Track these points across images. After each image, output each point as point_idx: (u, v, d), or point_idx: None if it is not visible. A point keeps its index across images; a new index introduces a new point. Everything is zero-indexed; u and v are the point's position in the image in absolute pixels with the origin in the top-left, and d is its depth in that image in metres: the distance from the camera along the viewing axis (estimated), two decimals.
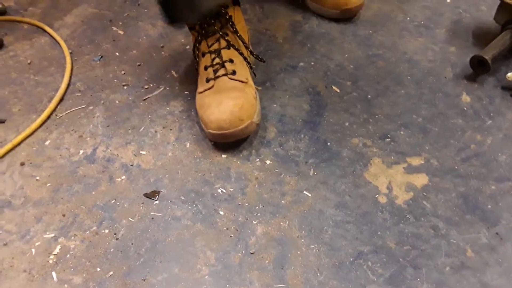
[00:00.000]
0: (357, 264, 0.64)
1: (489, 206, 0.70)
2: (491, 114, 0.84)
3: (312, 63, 0.95)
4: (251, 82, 0.82)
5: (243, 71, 0.81)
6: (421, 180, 0.74)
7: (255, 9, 1.09)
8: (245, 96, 0.77)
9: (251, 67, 0.84)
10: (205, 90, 0.79)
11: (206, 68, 0.80)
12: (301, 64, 0.95)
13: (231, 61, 0.80)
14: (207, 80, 0.79)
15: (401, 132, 0.81)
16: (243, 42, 0.83)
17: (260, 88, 0.89)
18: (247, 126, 0.75)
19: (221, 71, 0.79)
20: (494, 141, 0.80)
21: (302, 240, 0.66)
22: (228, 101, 0.75)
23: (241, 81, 0.79)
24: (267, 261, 0.64)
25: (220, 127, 0.74)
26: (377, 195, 0.72)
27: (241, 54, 0.82)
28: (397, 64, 0.94)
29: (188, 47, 0.99)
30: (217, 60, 0.80)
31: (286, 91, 0.89)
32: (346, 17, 1.05)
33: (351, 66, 0.94)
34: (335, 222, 0.68)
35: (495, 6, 0.97)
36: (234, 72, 0.79)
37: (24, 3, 1.12)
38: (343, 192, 0.72)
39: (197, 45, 0.82)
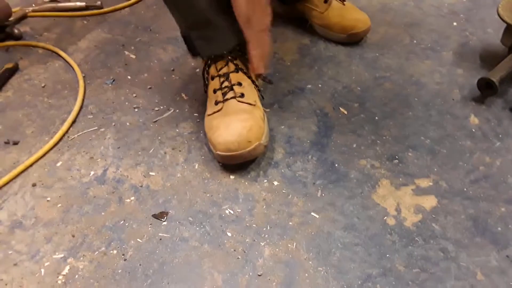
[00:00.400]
0: (365, 287, 0.63)
1: (499, 229, 0.69)
2: (500, 136, 0.84)
3: (320, 85, 0.96)
4: (259, 104, 0.84)
5: (251, 94, 0.82)
6: (430, 202, 0.73)
7: None
8: (253, 118, 0.78)
9: (259, 90, 0.86)
10: (213, 113, 0.80)
11: (215, 91, 0.82)
12: (309, 86, 0.96)
13: (239, 84, 0.81)
14: (216, 103, 0.81)
15: (409, 154, 0.81)
16: None
17: (268, 110, 0.90)
18: (255, 148, 0.75)
19: (230, 94, 0.80)
20: (503, 162, 0.79)
21: (310, 262, 0.66)
22: (236, 123, 0.76)
23: (249, 104, 0.80)
24: (274, 283, 0.63)
25: (228, 149, 0.74)
26: (385, 217, 0.71)
27: (249, 77, 0.83)
28: (404, 86, 0.95)
29: (197, 70, 1.01)
30: (225, 83, 0.81)
31: (294, 112, 0.90)
32: (353, 41, 1.07)
33: (358, 88, 0.95)
34: (343, 244, 0.68)
35: (502, 28, 0.98)
36: (242, 95, 0.80)
37: (40, 29, 1.16)
38: (351, 213, 0.72)
39: (207, 68, 0.84)
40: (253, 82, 0.84)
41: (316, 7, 1.08)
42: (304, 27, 1.12)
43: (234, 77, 0.82)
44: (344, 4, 1.08)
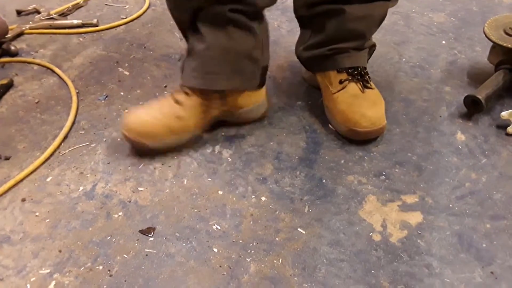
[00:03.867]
0: None
1: (484, 245, 0.70)
2: (486, 153, 0.85)
3: (310, 102, 0.98)
4: None
5: None
6: (415, 218, 0.74)
7: None
8: None
9: None
10: None
11: None
12: (299, 102, 0.97)
13: None
14: None
15: (396, 170, 0.82)
16: None
17: None
18: None
19: None
20: (489, 179, 0.80)
21: (295, 279, 0.66)
22: None
23: None
24: None
25: None
26: (371, 233, 0.72)
27: None
28: (393, 103, 0.96)
29: None
30: None
31: (283, 128, 0.91)
32: (354, 138, 0.87)
33: None
34: (329, 260, 0.68)
35: (489, 46, 1.00)
36: None
37: (36, 45, 1.18)
38: (338, 229, 0.73)
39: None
40: None
41: (330, 84, 0.90)
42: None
43: None
44: (363, 92, 0.87)
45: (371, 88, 0.89)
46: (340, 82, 0.88)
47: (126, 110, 0.96)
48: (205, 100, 0.85)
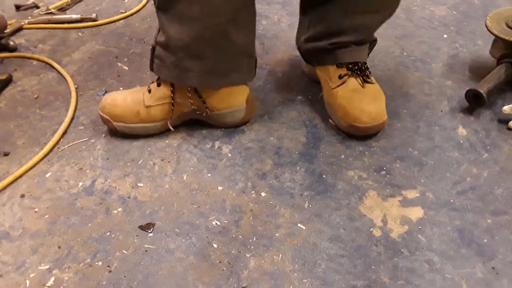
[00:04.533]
0: None
1: (485, 240, 0.69)
2: (488, 147, 0.84)
3: (310, 96, 0.97)
4: None
5: None
6: (416, 213, 0.74)
7: (256, 45, 1.12)
8: None
9: None
10: None
11: None
12: (299, 97, 0.97)
13: None
14: None
15: (397, 165, 0.81)
16: None
17: None
18: None
19: None
20: (491, 174, 0.79)
21: (295, 274, 0.66)
22: None
23: None
24: None
25: None
26: (371, 228, 0.71)
27: None
28: (394, 97, 0.96)
29: None
30: None
31: (284, 123, 0.91)
32: (355, 133, 0.86)
33: None
34: (329, 255, 0.68)
35: (491, 40, 0.99)
36: None
37: (35, 40, 1.17)
38: (338, 225, 0.72)
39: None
40: None
41: (329, 79, 0.89)
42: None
43: None
44: (363, 87, 0.86)
45: (372, 83, 0.87)
46: (340, 77, 0.87)
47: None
48: (174, 94, 0.84)
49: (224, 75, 0.84)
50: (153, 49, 0.84)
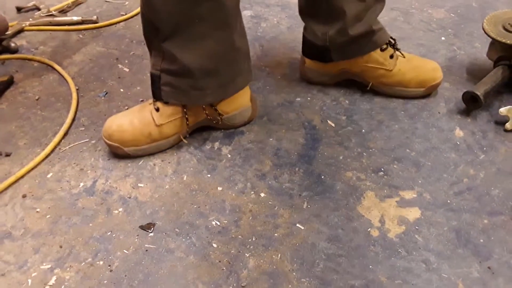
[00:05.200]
0: None
1: (481, 240, 0.70)
2: (484, 149, 0.85)
3: (309, 98, 0.98)
4: None
5: None
6: (413, 213, 0.74)
7: (255, 47, 1.13)
8: None
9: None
10: None
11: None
12: (298, 99, 0.98)
13: None
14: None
15: (395, 166, 0.82)
16: None
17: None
18: None
19: None
20: (487, 175, 0.80)
21: (294, 274, 0.67)
22: None
23: None
24: None
25: None
26: (369, 229, 0.72)
27: None
28: (392, 99, 0.97)
29: None
30: None
31: (283, 125, 0.91)
32: (429, 93, 0.96)
33: (346, 101, 0.97)
34: (327, 255, 0.69)
35: (489, 42, 1.00)
36: None
37: (36, 42, 1.18)
38: (336, 225, 0.73)
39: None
40: None
41: (381, 65, 0.93)
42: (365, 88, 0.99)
43: None
44: (404, 57, 0.95)
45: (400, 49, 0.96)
46: (391, 57, 0.94)
47: (126, 107, 0.96)
48: (187, 109, 0.84)
49: (233, 82, 0.85)
50: (158, 77, 0.81)
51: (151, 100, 0.85)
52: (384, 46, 0.93)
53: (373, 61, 0.93)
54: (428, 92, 0.96)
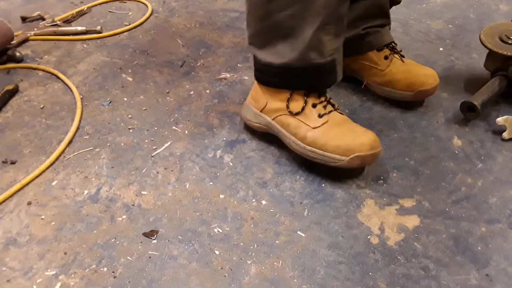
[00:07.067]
0: None
1: (479, 248, 0.71)
2: (482, 158, 0.87)
3: None
4: None
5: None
6: (412, 221, 0.76)
7: None
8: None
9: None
10: (322, 125, 0.82)
11: (314, 106, 0.84)
12: None
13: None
14: (320, 116, 0.83)
15: (394, 175, 0.84)
16: None
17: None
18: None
19: (329, 107, 0.85)
20: (485, 183, 0.82)
21: (295, 280, 0.68)
22: (357, 128, 0.82)
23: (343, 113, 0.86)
24: None
25: (372, 147, 0.78)
26: (369, 236, 0.74)
27: None
28: (391, 109, 0.98)
29: (192, 92, 1.05)
30: (322, 98, 0.85)
31: None
32: (419, 99, 0.97)
33: (347, 111, 0.98)
34: (328, 262, 0.70)
35: (486, 53, 1.01)
36: (338, 107, 0.87)
37: (41, 52, 1.20)
38: (336, 232, 0.74)
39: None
40: None
41: (375, 64, 0.98)
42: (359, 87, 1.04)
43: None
44: (403, 61, 0.98)
45: (403, 57, 0.99)
46: (386, 58, 0.98)
47: (130, 116, 0.98)
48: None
49: None
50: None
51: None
52: (381, 47, 0.98)
53: (368, 59, 0.99)
54: (418, 98, 0.96)
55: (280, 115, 0.86)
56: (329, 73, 0.83)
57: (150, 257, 0.71)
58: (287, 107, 0.84)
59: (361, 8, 0.94)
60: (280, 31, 0.78)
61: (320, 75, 0.82)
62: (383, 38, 0.98)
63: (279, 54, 0.81)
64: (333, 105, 0.85)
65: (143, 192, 0.81)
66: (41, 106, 1.02)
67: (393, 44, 1.00)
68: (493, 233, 0.73)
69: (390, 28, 1.02)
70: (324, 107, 0.84)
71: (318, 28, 0.75)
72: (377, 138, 0.80)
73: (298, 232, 0.74)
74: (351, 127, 0.82)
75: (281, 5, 0.75)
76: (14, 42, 1.20)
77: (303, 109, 0.83)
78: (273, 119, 0.87)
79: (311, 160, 0.83)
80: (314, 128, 0.82)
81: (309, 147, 0.82)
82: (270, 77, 0.85)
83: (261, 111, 0.88)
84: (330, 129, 0.81)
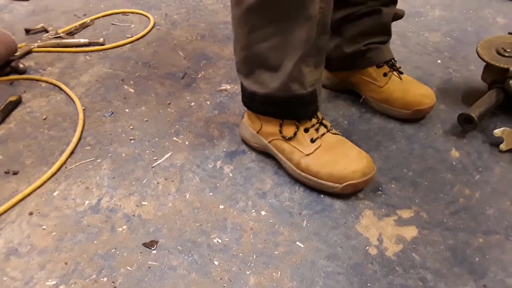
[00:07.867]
0: None
1: (477, 259, 0.72)
2: (480, 169, 0.87)
3: None
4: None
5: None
6: (410, 232, 0.76)
7: None
8: (351, 142, 0.85)
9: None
10: (315, 150, 0.83)
11: (306, 131, 0.84)
12: None
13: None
14: (312, 141, 0.84)
15: (392, 186, 0.84)
16: None
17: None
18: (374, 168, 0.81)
19: (322, 129, 0.85)
20: (482, 195, 0.82)
21: None
22: (352, 150, 0.82)
23: (338, 134, 0.86)
24: None
25: (365, 174, 0.79)
26: (367, 247, 0.74)
27: None
28: (389, 120, 0.99)
29: (193, 103, 1.06)
30: (314, 120, 0.85)
31: None
32: (417, 117, 0.98)
33: (345, 122, 0.99)
34: (326, 273, 0.70)
35: (483, 66, 1.03)
36: (331, 127, 0.86)
37: (44, 63, 1.22)
38: (335, 243, 0.75)
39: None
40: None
41: (374, 80, 1.00)
42: (357, 100, 1.05)
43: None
44: (401, 79, 0.99)
45: (402, 73, 1.00)
46: (385, 75, 0.99)
47: (131, 127, 0.99)
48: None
49: None
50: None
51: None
52: (381, 64, 0.99)
53: (367, 75, 1.00)
54: (416, 116, 0.97)
55: (275, 139, 0.86)
56: (311, 103, 0.83)
57: (149, 267, 0.71)
58: (280, 132, 0.85)
59: (364, 25, 0.95)
60: (262, 61, 0.79)
61: (302, 105, 0.83)
62: (384, 55, 0.99)
63: (262, 84, 0.82)
64: (325, 126, 0.85)
65: (143, 203, 0.82)
66: (44, 117, 1.03)
67: (393, 61, 1.01)
68: (490, 244, 0.74)
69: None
70: (317, 130, 0.84)
71: (298, 60, 0.76)
72: (370, 160, 0.81)
73: (297, 243, 0.75)
74: (345, 150, 0.82)
75: (261, 37, 0.76)
76: (17, 53, 1.22)
77: (295, 134, 0.84)
78: (269, 142, 0.88)
79: (307, 185, 0.84)
80: (307, 155, 0.83)
81: (303, 174, 0.83)
82: (256, 105, 0.86)
83: (257, 132, 0.89)
84: (323, 155, 0.82)
